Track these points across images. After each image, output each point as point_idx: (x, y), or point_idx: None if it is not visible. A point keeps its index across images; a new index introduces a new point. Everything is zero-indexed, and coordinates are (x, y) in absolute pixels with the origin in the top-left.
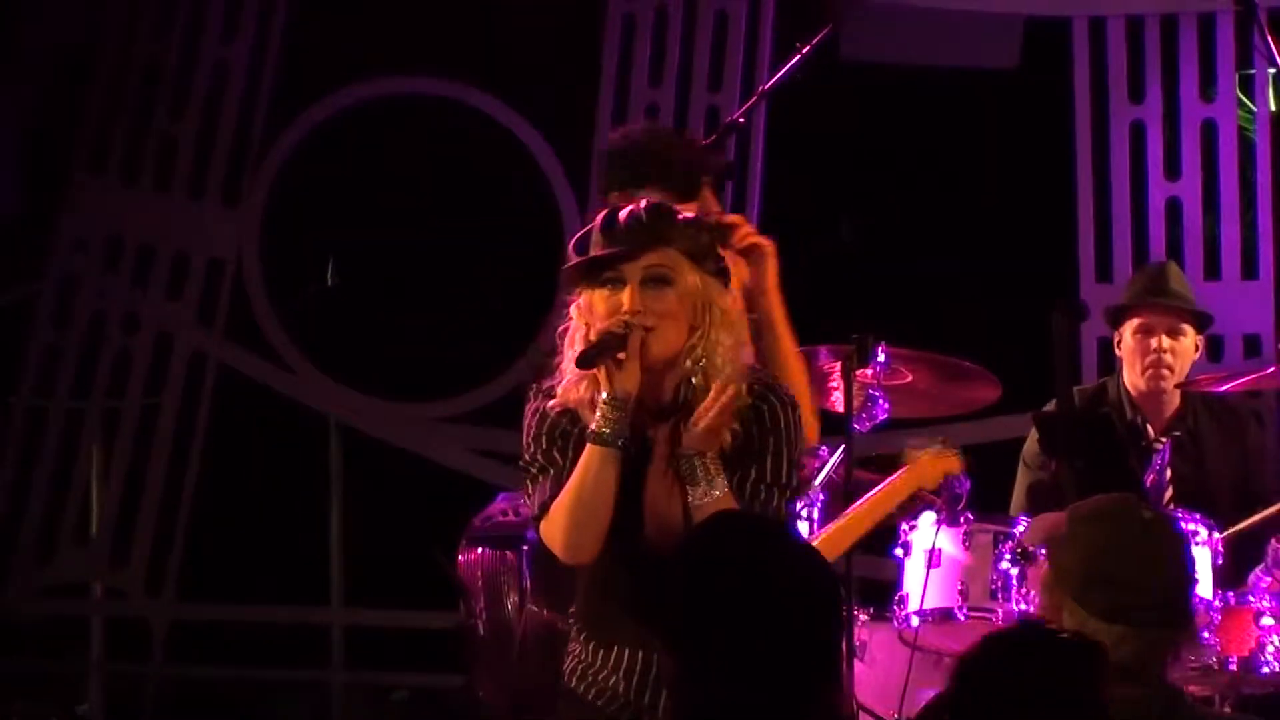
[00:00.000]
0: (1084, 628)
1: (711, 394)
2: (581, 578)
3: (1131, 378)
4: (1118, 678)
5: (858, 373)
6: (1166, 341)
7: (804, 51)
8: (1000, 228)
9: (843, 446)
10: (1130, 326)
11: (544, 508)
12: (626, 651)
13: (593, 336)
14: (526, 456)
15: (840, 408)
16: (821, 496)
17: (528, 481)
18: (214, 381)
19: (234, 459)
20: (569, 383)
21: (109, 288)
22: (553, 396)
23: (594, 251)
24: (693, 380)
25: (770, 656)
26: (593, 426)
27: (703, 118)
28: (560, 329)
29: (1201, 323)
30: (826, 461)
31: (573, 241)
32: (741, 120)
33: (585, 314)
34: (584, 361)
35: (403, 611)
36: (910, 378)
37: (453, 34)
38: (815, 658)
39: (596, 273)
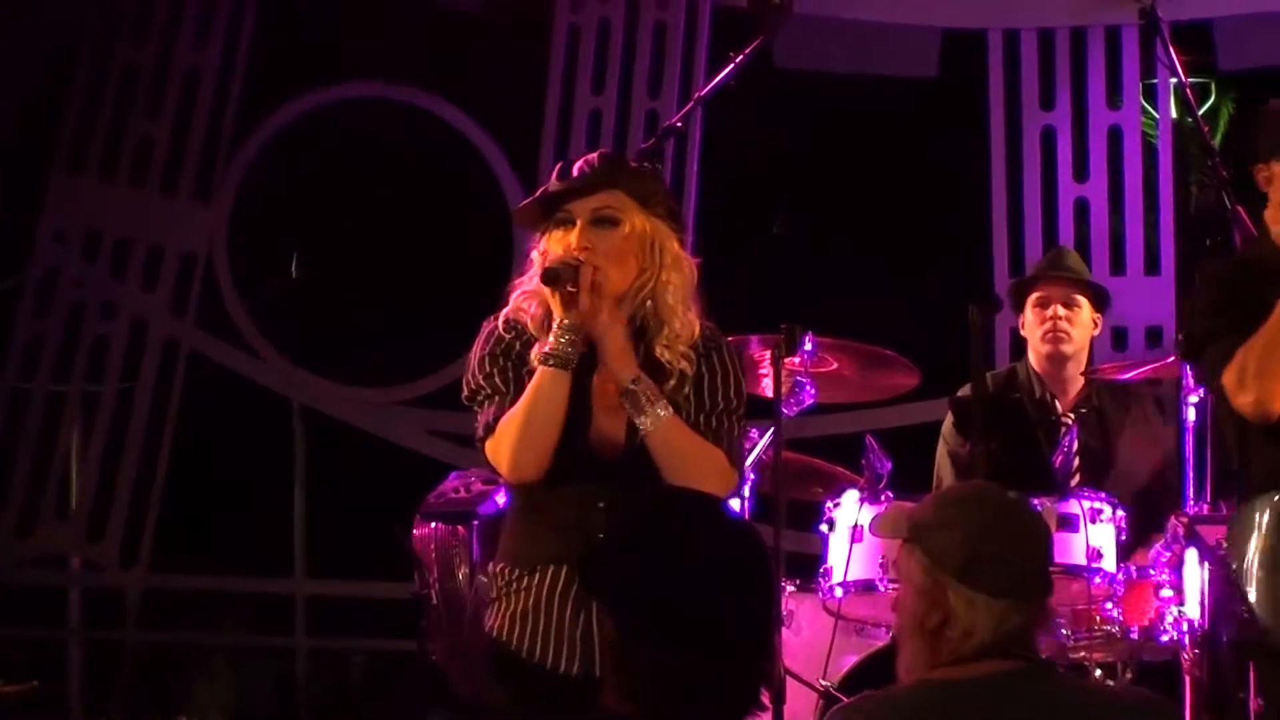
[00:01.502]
0: (972, 606)
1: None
2: (514, 508)
3: (1034, 349)
4: (995, 653)
5: (786, 361)
6: (1062, 310)
7: (738, 60)
8: (921, 225)
9: (772, 429)
10: (1030, 301)
11: (489, 428)
12: (551, 569)
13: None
14: (477, 377)
15: (770, 393)
16: (752, 476)
17: (474, 403)
18: (185, 367)
19: (203, 440)
20: (520, 296)
21: (88, 279)
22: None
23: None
24: (648, 310)
25: (705, 625)
26: (545, 349)
27: (642, 123)
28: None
29: (1097, 297)
30: (757, 443)
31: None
32: (679, 125)
33: (542, 255)
34: (548, 276)
35: (361, 582)
36: (835, 365)
37: (409, 44)
38: (747, 626)
39: (550, 213)
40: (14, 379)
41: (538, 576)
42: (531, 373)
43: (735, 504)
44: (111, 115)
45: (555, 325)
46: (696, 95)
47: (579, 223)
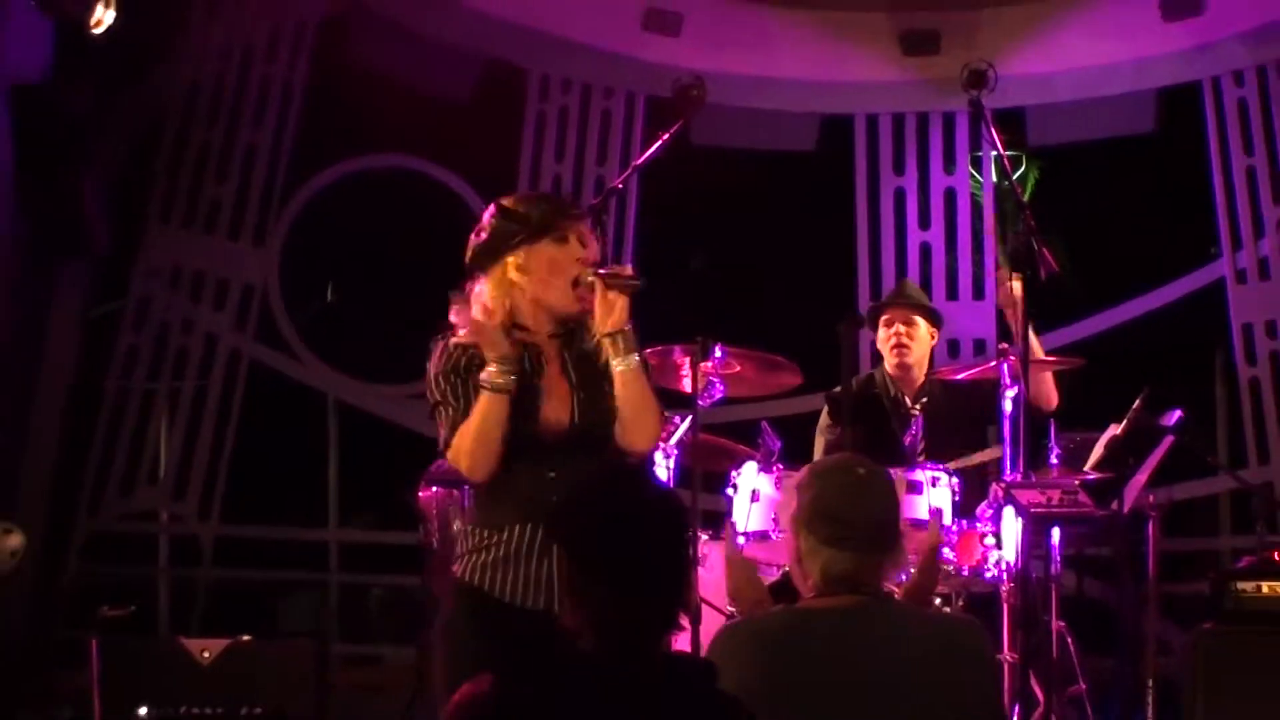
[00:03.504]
0: (816, 550)
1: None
2: (480, 486)
3: (886, 359)
4: (842, 589)
5: (701, 365)
6: (903, 328)
7: (664, 138)
8: (802, 261)
9: (690, 417)
10: (881, 321)
11: (447, 442)
12: (517, 528)
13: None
14: (434, 393)
15: (688, 389)
16: (675, 452)
17: (436, 411)
18: (246, 370)
19: (260, 424)
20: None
21: (172, 303)
22: (441, 340)
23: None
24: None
25: (637, 565)
26: (486, 379)
27: (592, 185)
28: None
29: (931, 317)
30: (679, 427)
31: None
32: (620, 186)
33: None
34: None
35: (380, 532)
36: (738, 368)
37: (417, 125)
38: (670, 566)
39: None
40: (117, 379)
41: (505, 533)
42: (478, 385)
43: (663, 473)
44: (190, 180)
45: (494, 360)
46: (634, 164)
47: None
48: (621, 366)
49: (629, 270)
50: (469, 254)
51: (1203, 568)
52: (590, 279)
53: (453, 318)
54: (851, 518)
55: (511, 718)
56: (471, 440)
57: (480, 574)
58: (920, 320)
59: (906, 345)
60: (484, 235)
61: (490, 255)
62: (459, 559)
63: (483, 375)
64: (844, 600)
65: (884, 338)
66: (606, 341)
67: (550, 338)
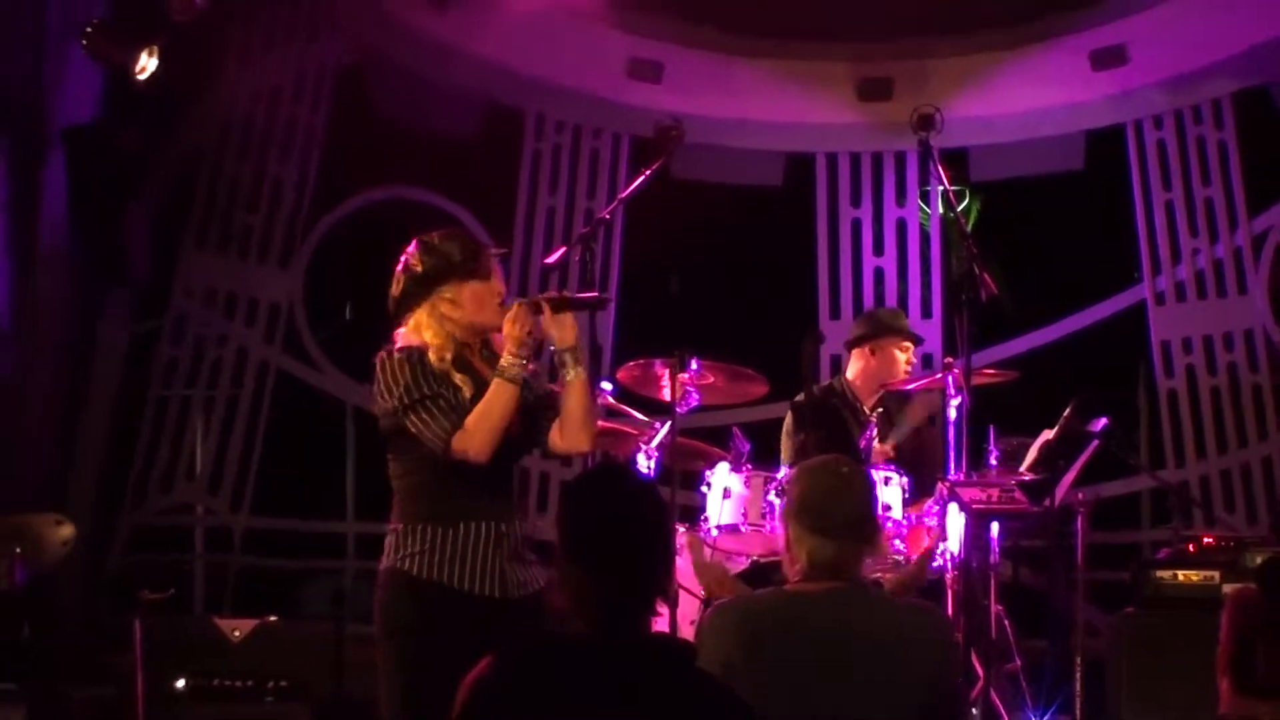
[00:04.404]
0: (802, 538)
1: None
2: (429, 479)
3: (890, 375)
4: (826, 575)
5: (679, 376)
6: (913, 356)
7: (647, 174)
8: (769, 284)
9: (669, 422)
10: (901, 347)
11: (451, 430)
12: (475, 525)
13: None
14: (413, 394)
15: (668, 397)
16: (656, 454)
17: (419, 409)
18: (274, 379)
19: (286, 428)
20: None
21: (207, 319)
22: (399, 352)
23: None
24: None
25: (621, 553)
26: (505, 366)
27: (582, 215)
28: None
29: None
30: (659, 431)
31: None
32: (608, 216)
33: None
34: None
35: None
36: (712, 379)
37: (426, 160)
38: (655, 554)
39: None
40: (158, 388)
41: (462, 530)
42: (452, 382)
43: (645, 472)
44: (223, 210)
45: (513, 353)
46: (619, 197)
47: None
48: (572, 376)
49: (591, 293)
50: (398, 286)
51: (1125, 558)
52: (527, 303)
53: (400, 342)
54: (833, 510)
55: (509, 693)
56: (488, 425)
57: (432, 566)
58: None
59: (909, 373)
60: (417, 269)
61: (423, 290)
62: (407, 554)
63: (503, 363)
64: (827, 585)
65: (903, 360)
66: (566, 356)
67: (476, 348)
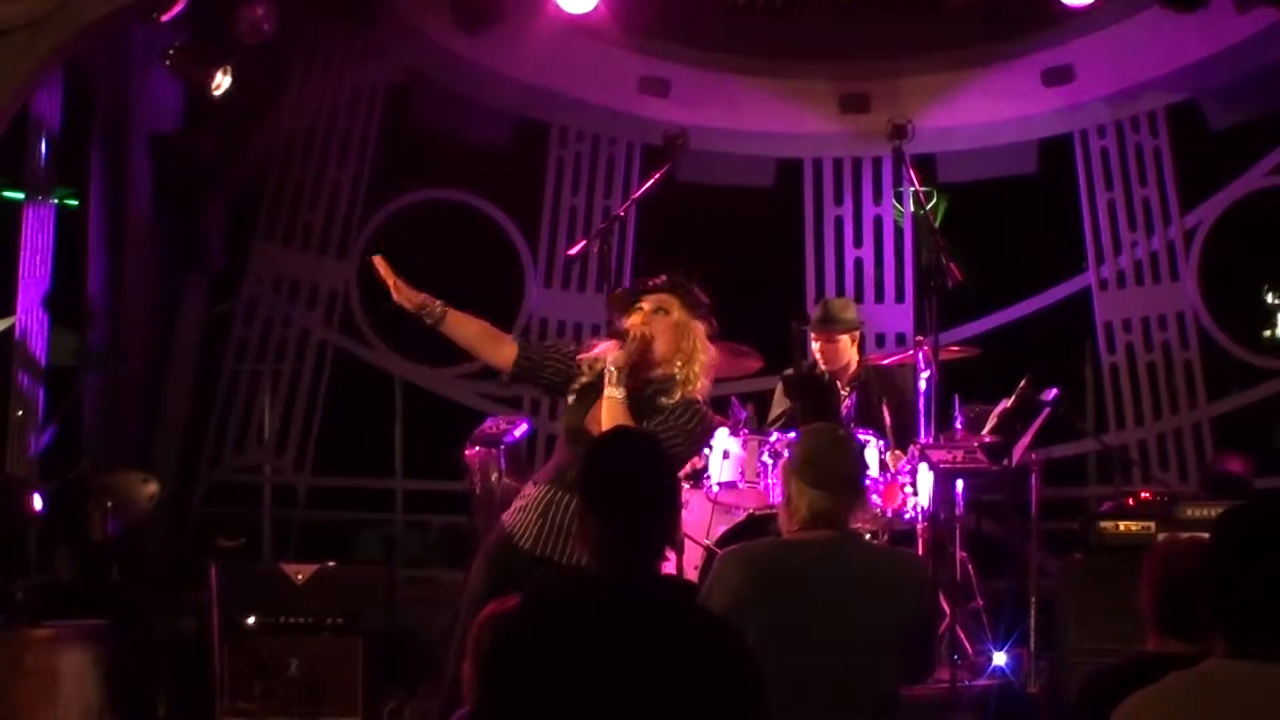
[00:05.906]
0: (803, 490)
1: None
2: (568, 456)
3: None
4: (822, 524)
5: None
6: (825, 346)
7: (656, 176)
8: (763, 273)
9: None
10: (812, 338)
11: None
12: (546, 489)
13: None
14: (557, 347)
15: None
16: None
17: (550, 358)
18: (332, 355)
19: (342, 398)
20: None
21: (274, 303)
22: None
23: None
24: (675, 374)
25: (636, 506)
26: (610, 384)
27: (601, 213)
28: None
29: (848, 329)
30: None
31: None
32: (622, 214)
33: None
34: (617, 333)
35: (434, 480)
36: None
37: (466, 165)
38: (656, 503)
39: (631, 301)
40: (231, 363)
41: (542, 494)
42: (571, 380)
43: None
44: (288, 207)
45: (613, 370)
46: (632, 197)
47: (643, 310)
48: (609, 392)
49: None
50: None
51: (1073, 510)
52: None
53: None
54: (830, 466)
55: (528, 624)
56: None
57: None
58: (840, 336)
59: (827, 358)
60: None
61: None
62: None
63: (610, 381)
64: (821, 534)
65: (816, 349)
66: (612, 372)
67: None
